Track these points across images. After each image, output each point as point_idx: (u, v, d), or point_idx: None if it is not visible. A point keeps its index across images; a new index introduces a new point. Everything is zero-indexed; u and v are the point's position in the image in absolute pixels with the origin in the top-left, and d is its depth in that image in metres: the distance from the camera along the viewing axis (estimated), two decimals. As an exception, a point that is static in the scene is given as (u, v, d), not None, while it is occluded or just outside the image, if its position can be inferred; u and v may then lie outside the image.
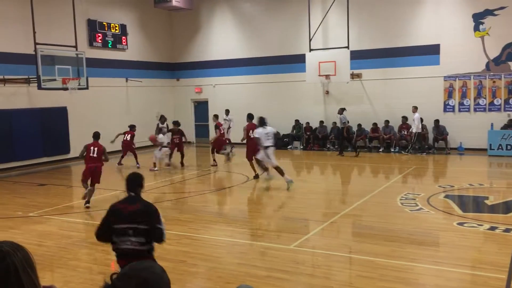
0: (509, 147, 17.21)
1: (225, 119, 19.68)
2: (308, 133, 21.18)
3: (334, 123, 20.32)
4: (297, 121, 21.52)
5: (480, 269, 6.56)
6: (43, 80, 15.85)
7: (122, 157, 17.35)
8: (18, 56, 16.81)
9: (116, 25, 21.31)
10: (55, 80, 16.23)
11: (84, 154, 10.85)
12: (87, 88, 17.42)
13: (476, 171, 15.05)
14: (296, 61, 20.94)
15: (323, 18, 20.22)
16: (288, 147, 21.52)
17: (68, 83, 16.58)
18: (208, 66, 23.87)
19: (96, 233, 4.65)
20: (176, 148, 16.61)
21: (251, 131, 13.92)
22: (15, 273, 1.82)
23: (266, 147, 12.54)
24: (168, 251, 7.10)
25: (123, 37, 21.75)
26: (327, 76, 19.18)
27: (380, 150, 19.59)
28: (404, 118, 19.11)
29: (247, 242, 8.25)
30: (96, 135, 11.15)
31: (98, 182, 11.04)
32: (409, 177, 14.32)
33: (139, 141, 18.59)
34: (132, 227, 4.43)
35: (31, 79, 16.83)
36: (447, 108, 19.04)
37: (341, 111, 18.83)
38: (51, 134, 18.07)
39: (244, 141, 14.81)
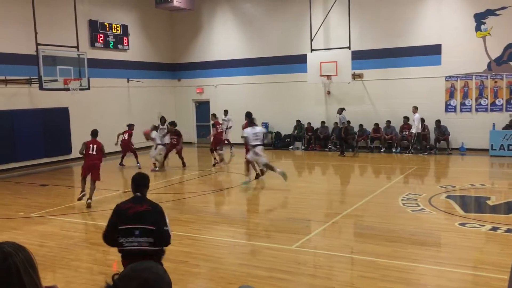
0: (510, 147, 17.17)
1: (223, 120, 19.77)
2: (309, 134, 21.17)
3: (336, 123, 20.30)
4: (298, 121, 21.51)
5: (482, 269, 6.55)
6: (44, 80, 15.88)
7: (123, 157, 17.36)
8: (20, 56, 16.83)
9: (117, 25, 21.33)
10: (56, 80, 16.25)
11: (84, 152, 11.26)
12: (88, 88, 17.44)
13: (477, 171, 15.02)
14: (297, 62, 20.95)
15: (325, 18, 20.22)
16: (290, 147, 21.52)
17: (69, 84, 16.60)
18: (209, 67, 23.88)
19: (104, 236, 4.59)
20: (174, 150, 16.59)
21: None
22: (16, 273, 1.82)
23: (254, 146, 12.70)
24: (169, 252, 7.05)
25: (125, 38, 21.77)
26: (329, 77, 19.18)
27: (382, 150, 19.57)
28: (406, 119, 19.09)
29: (248, 243, 8.24)
30: (94, 133, 11.59)
31: (98, 179, 11.40)
32: (411, 177, 14.30)
33: (140, 141, 18.61)
34: (139, 228, 4.40)
35: (32, 80, 16.86)
36: (448, 108, 19.03)
37: (341, 110, 18.84)
38: (53, 134, 18.10)
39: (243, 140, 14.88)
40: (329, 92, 21.19)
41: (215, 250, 7.92)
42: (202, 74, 24.14)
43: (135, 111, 21.77)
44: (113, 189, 13.23)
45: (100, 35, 20.50)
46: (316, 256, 7.51)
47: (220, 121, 18.62)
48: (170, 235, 4.51)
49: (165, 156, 16.63)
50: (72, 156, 18.53)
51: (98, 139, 11.62)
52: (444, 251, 7.59)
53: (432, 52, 18.93)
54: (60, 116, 18.45)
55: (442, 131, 18.67)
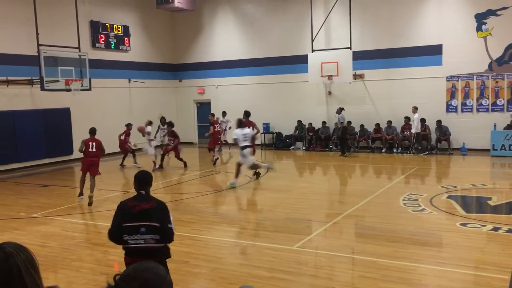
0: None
1: (222, 121, 19.88)
2: (310, 134, 21.17)
3: (336, 123, 20.31)
4: (299, 121, 21.52)
5: (483, 269, 6.54)
6: (46, 81, 15.92)
7: (124, 158, 17.38)
8: (21, 57, 16.86)
9: (118, 26, 21.36)
10: (58, 81, 16.29)
11: (83, 149, 11.58)
12: (90, 89, 17.48)
13: (479, 171, 15.02)
14: (298, 62, 20.95)
15: (326, 19, 20.22)
16: (291, 148, 21.52)
17: (71, 84, 16.63)
18: (210, 67, 23.89)
19: (109, 233, 4.58)
20: (172, 151, 16.61)
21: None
22: (18, 274, 1.83)
23: (243, 148, 12.77)
24: (170, 253, 7.09)
25: (126, 38, 21.80)
26: (330, 77, 19.17)
27: (383, 150, 19.57)
28: (407, 119, 19.08)
29: (249, 243, 8.25)
30: (93, 131, 11.87)
31: (98, 173, 11.82)
32: (412, 177, 14.30)
33: (140, 141, 18.58)
34: (144, 225, 4.41)
35: (34, 80, 16.89)
36: (449, 108, 19.02)
37: (340, 110, 18.86)
38: (54, 135, 18.12)
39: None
40: (330, 93, 21.19)
41: (216, 250, 7.93)
42: (203, 74, 24.16)
43: (136, 112, 21.78)
44: (113, 190, 13.24)
45: (102, 35, 20.53)
46: (317, 256, 7.51)
47: (219, 122, 18.86)
48: (174, 232, 4.56)
49: (163, 157, 16.61)
50: (73, 156, 18.54)
51: (101, 141, 11.86)
52: (445, 251, 7.59)
53: (433, 52, 18.92)
54: (62, 117, 18.48)
55: (443, 131, 18.66)
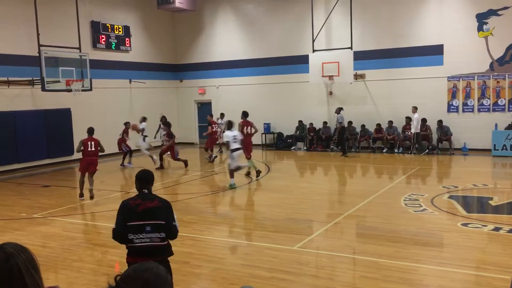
0: (513, 147, 17.17)
1: (220, 123, 19.98)
2: (311, 134, 21.16)
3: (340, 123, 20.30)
4: (300, 122, 21.51)
5: (484, 270, 6.53)
6: (47, 81, 15.93)
7: (124, 158, 17.40)
8: (22, 58, 16.87)
9: (119, 26, 21.36)
10: (58, 81, 16.30)
11: (82, 149, 11.75)
12: (90, 89, 17.49)
13: (480, 171, 15.01)
14: (299, 62, 20.95)
15: (326, 19, 20.22)
16: (292, 148, 21.52)
17: (71, 85, 16.64)
18: (211, 67, 23.90)
19: (113, 233, 4.54)
20: (168, 151, 16.64)
21: (245, 128, 14.40)
22: (19, 274, 1.83)
23: (233, 150, 12.86)
24: (172, 251, 7.10)
25: (127, 39, 21.81)
26: (331, 77, 19.17)
27: (384, 150, 19.56)
28: (408, 119, 19.06)
29: (250, 243, 8.25)
30: (91, 131, 12.04)
31: (96, 170, 12.12)
32: (413, 177, 14.28)
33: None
34: (149, 224, 4.41)
35: (35, 81, 16.91)
36: (451, 108, 19.00)
37: (339, 110, 18.90)
38: (55, 135, 18.12)
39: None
40: (331, 93, 21.19)
41: (217, 250, 7.93)
42: (204, 75, 24.16)
43: (137, 112, 21.69)
44: (114, 190, 13.25)
45: (102, 36, 20.53)
46: (318, 256, 7.51)
47: (217, 123, 19.03)
48: (178, 230, 4.60)
49: (161, 157, 16.62)
50: (74, 157, 18.50)
51: (99, 139, 12.05)
52: (446, 252, 7.58)
53: (434, 52, 18.91)
54: (62, 117, 18.48)
55: (444, 131, 18.65)
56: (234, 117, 15.15)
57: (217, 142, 19.96)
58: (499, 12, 17.82)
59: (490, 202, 10.60)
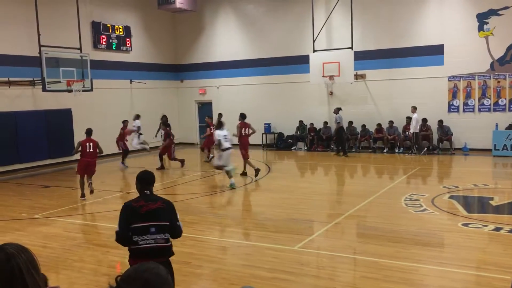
0: (514, 147, 17.16)
1: None
2: (312, 134, 21.16)
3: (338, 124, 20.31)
4: (301, 122, 21.51)
5: (485, 270, 6.53)
6: (47, 82, 15.93)
7: (124, 157, 17.42)
8: (23, 58, 16.88)
9: (120, 27, 21.37)
10: (59, 82, 16.31)
11: (80, 149, 11.78)
12: (91, 90, 17.50)
13: (480, 171, 15.00)
14: (300, 62, 20.95)
15: (327, 19, 20.22)
16: (292, 148, 21.52)
17: (72, 85, 16.66)
18: (212, 68, 23.90)
19: (117, 235, 4.51)
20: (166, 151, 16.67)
21: (243, 129, 14.59)
22: (19, 274, 1.83)
23: (224, 149, 13.00)
24: (173, 252, 7.11)
25: (127, 39, 21.82)
26: (331, 77, 19.17)
27: (385, 150, 19.55)
28: (409, 119, 19.03)
29: (251, 243, 8.25)
30: (89, 132, 12.05)
31: (93, 173, 12.20)
32: (414, 178, 14.28)
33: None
34: (154, 225, 4.42)
35: (36, 81, 16.91)
36: (451, 108, 19.00)
37: (337, 110, 18.94)
38: (56, 136, 18.13)
39: (237, 140, 15.09)
40: (331, 93, 21.19)
41: (218, 251, 7.93)
42: (205, 75, 24.17)
43: (138, 112, 21.74)
44: (114, 190, 13.26)
45: (103, 36, 20.54)
46: (319, 256, 7.51)
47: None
48: (182, 229, 4.66)
49: (160, 157, 16.62)
50: (75, 157, 18.43)
51: (98, 140, 12.13)
52: (447, 252, 7.58)
53: (434, 52, 18.90)
54: (63, 118, 18.48)
55: (445, 131, 18.64)
56: (234, 117, 15.19)
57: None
58: (500, 12, 17.82)
59: (491, 202, 10.59)
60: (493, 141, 17.50)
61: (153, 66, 23.39)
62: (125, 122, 17.53)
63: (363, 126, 20.11)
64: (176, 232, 4.59)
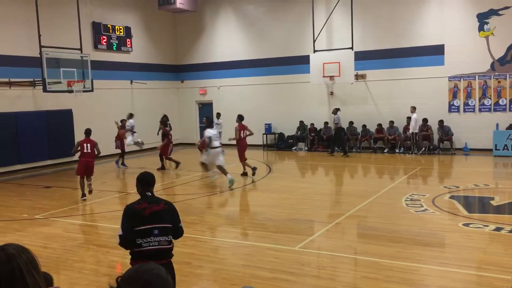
0: (514, 147, 17.15)
1: (216, 123, 20.00)
2: (312, 134, 21.16)
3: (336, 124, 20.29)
4: (301, 122, 21.51)
5: (485, 270, 6.53)
6: (48, 82, 15.94)
7: (123, 157, 17.42)
8: (24, 59, 16.89)
9: (120, 27, 21.38)
10: (60, 82, 16.31)
11: (79, 149, 11.86)
12: (92, 90, 17.51)
13: (481, 171, 15.00)
14: (300, 62, 20.95)
15: (327, 19, 20.22)
16: (293, 148, 21.51)
17: (73, 86, 16.66)
18: (212, 68, 23.91)
19: (121, 239, 4.44)
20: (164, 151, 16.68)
21: (242, 132, 14.68)
22: (20, 275, 1.83)
23: (213, 148, 13.16)
24: (173, 253, 7.11)
25: (128, 40, 21.82)
26: (332, 77, 19.17)
27: (385, 151, 19.55)
28: (409, 119, 19.03)
29: (252, 244, 8.25)
30: (88, 132, 12.12)
31: (92, 174, 12.19)
32: (414, 178, 14.28)
33: (144, 142, 18.60)
34: (157, 227, 4.40)
35: (36, 82, 16.92)
36: (452, 108, 18.99)
37: (336, 111, 18.98)
38: (57, 136, 18.13)
39: (234, 142, 15.19)
40: (332, 93, 21.19)
41: (218, 251, 7.93)
42: (205, 75, 24.17)
43: (139, 113, 21.75)
44: (114, 191, 13.26)
45: (103, 37, 20.55)
46: (319, 257, 7.51)
47: (213, 124, 19.11)
48: (183, 230, 4.69)
49: (161, 157, 16.63)
50: (76, 158, 18.37)
51: (98, 140, 12.23)
52: (447, 252, 7.57)
53: (435, 52, 18.90)
54: (64, 118, 18.49)
55: (445, 131, 18.63)
56: (235, 118, 15.19)
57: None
58: (500, 12, 17.81)
59: (492, 202, 10.59)
60: (493, 141, 17.49)
61: (154, 66, 23.40)
62: (123, 122, 17.56)
63: (364, 126, 20.11)
64: (179, 233, 4.63)
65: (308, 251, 7.63)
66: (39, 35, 15.52)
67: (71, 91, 16.70)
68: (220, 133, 20.19)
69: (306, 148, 21.28)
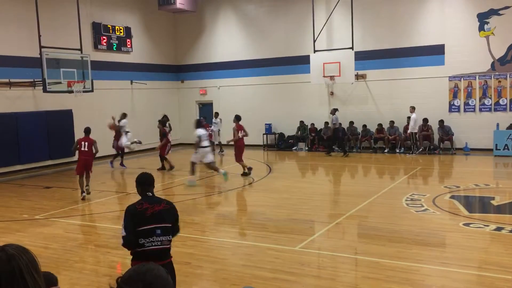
0: (515, 147, 17.14)
1: (214, 123, 20.04)
2: (313, 134, 21.16)
3: (340, 124, 20.29)
4: (302, 122, 21.51)
5: (486, 269, 6.52)
6: (48, 83, 15.93)
7: (122, 157, 17.41)
8: (24, 59, 16.88)
9: (120, 27, 21.38)
10: (60, 83, 16.31)
11: (77, 147, 12.01)
12: (92, 90, 17.51)
13: (482, 171, 14.98)
14: (300, 62, 20.95)
15: (327, 19, 20.21)
16: (293, 148, 21.51)
17: (73, 86, 16.66)
18: (212, 68, 23.91)
19: (124, 240, 4.43)
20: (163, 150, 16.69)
21: (239, 132, 14.82)
22: (20, 275, 1.82)
23: (202, 147, 13.44)
24: (173, 253, 7.08)
25: (128, 40, 21.82)
26: (332, 77, 19.17)
27: (385, 151, 19.54)
28: (409, 119, 19.04)
29: (252, 244, 8.24)
30: (87, 131, 12.25)
31: (91, 171, 12.32)
32: (415, 178, 14.27)
33: (144, 143, 18.60)
34: (160, 227, 4.43)
35: (36, 82, 16.92)
36: (452, 108, 18.98)
37: (334, 111, 19.00)
38: (57, 137, 18.12)
39: (232, 143, 15.26)
40: (332, 93, 21.19)
41: (219, 251, 7.93)
42: (205, 75, 24.17)
43: (139, 113, 21.81)
44: (114, 191, 13.26)
45: (104, 37, 20.55)
46: (320, 257, 7.50)
47: (211, 124, 19.20)
48: (179, 229, 4.76)
49: (161, 158, 16.62)
50: (76, 158, 18.41)
51: (98, 140, 12.28)
52: (448, 252, 7.57)
53: (435, 52, 18.89)
54: (64, 118, 18.48)
55: (445, 131, 18.63)
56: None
57: (215, 143, 19.93)
58: (500, 12, 17.81)
59: (492, 202, 10.58)
60: (494, 140, 17.48)
61: (154, 66, 23.39)
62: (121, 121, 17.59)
63: (364, 126, 20.10)
64: (175, 232, 4.67)
65: (309, 251, 7.63)
66: (39, 36, 15.52)
67: (71, 92, 16.70)
68: (219, 131, 20.45)
69: (306, 148, 21.27)
